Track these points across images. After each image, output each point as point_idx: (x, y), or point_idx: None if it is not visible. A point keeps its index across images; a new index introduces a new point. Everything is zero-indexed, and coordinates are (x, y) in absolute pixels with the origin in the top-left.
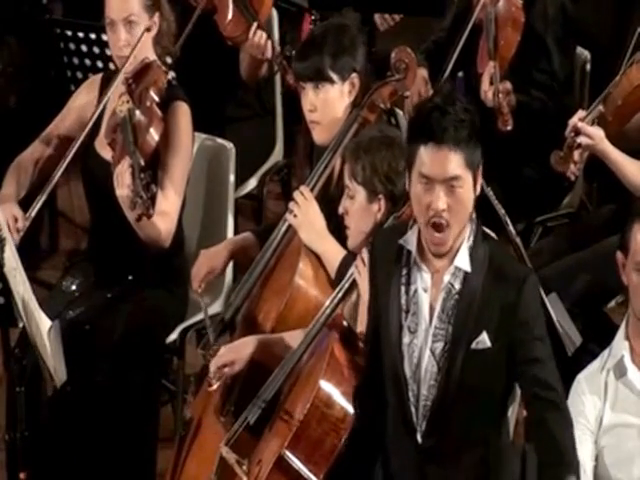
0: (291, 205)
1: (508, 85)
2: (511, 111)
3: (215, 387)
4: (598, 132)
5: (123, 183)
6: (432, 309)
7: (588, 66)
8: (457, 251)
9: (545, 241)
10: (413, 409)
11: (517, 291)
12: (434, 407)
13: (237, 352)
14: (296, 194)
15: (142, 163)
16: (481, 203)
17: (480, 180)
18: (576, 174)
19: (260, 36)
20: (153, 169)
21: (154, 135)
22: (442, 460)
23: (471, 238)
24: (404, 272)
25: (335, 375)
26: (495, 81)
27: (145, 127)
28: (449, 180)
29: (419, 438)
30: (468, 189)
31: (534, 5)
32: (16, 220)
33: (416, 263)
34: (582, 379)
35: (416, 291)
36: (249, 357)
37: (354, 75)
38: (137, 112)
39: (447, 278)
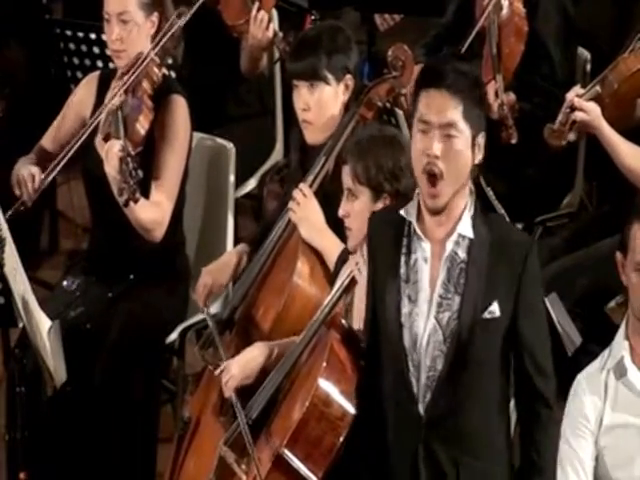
0: (290, 203)
1: (512, 97)
2: (515, 123)
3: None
4: (595, 108)
5: (110, 162)
6: (433, 279)
7: (588, 66)
8: (459, 219)
9: (545, 241)
10: (413, 380)
11: (523, 260)
12: (441, 378)
13: (249, 369)
14: (295, 192)
15: (130, 150)
16: (481, 203)
17: (481, 149)
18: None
19: (262, 15)
20: (149, 161)
21: (144, 124)
22: (444, 432)
23: (472, 208)
24: (404, 242)
25: (334, 373)
26: (500, 94)
27: (135, 117)
28: (445, 126)
29: (421, 410)
30: (465, 143)
31: (537, 11)
32: (33, 179)
33: (416, 233)
34: (582, 379)
35: (416, 261)
36: (260, 366)
37: (348, 76)
38: (128, 103)
39: (450, 246)
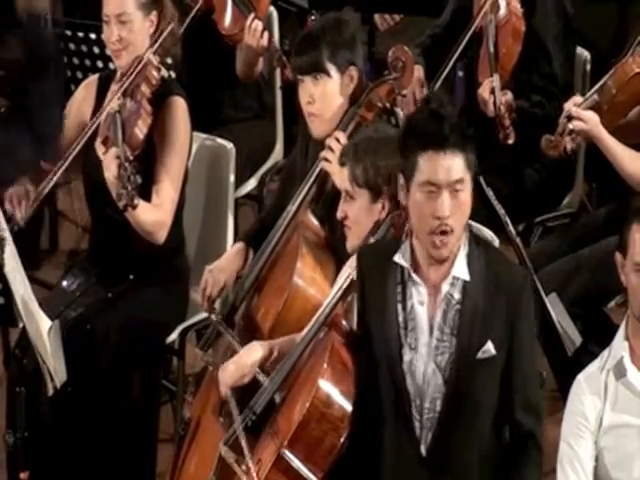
0: (324, 153)
1: (509, 96)
2: (512, 122)
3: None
4: (593, 117)
5: (108, 168)
6: (431, 322)
7: (588, 66)
8: (454, 260)
9: (545, 241)
10: (417, 423)
11: (518, 298)
12: (441, 419)
13: (244, 366)
14: (330, 140)
15: (129, 155)
16: (481, 203)
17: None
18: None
19: (257, 25)
20: (149, 163)
21: (142, 128)
22: (447, 471)
23: (467, 245)
24: (399, 289)
25: (334, 374)
26: (497, 93)
27: (133, 121)
28: (454, 184)
29: (423, 451)
30: (469, 191)
31: (535, 9)
32: (28, 195)
33: (411, 278)
34: (582, 379)
35: (413, 306)
36: (257, 364)
37: (352, 68)
38: (127, 106)
39: (446, 288)
